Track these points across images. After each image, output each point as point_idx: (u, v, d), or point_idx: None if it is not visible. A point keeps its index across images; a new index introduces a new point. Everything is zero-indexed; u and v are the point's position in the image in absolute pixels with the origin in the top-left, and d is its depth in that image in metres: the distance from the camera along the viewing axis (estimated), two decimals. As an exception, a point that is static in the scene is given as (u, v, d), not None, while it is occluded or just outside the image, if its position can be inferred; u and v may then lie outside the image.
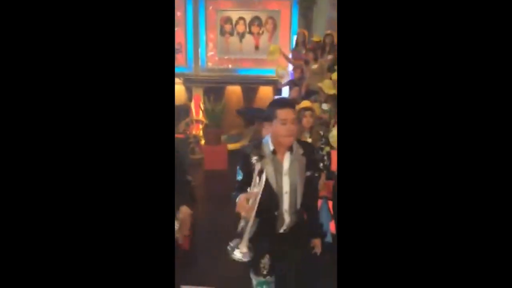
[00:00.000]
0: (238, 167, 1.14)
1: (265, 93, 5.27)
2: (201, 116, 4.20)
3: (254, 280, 1.18)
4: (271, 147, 1.14)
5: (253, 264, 1.13)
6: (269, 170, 1.11)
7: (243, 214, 1.03)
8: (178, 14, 3.81)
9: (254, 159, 1.05)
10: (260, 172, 1.05)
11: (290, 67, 3.20)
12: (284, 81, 2.78)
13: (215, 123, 4.02)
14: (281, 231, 1.15)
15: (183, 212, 1.21)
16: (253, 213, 1.02)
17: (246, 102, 4.97)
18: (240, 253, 1.01)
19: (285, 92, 3.15)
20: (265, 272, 1.14)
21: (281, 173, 1.13)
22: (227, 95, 4.74)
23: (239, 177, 1.12)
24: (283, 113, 1.09)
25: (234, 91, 4.88)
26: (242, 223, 1.06)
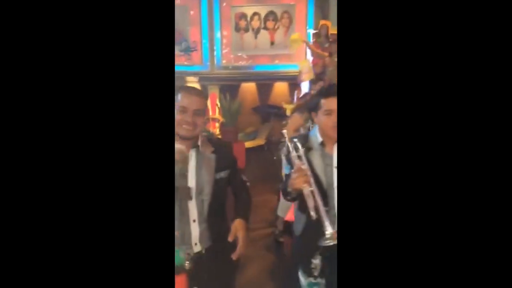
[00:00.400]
0: (285, 161, 1.10)
1: (280, 89, 5.22)
2: (217, 114, 4.18)
3: (304, 280, 1.14)
4: (320, 139, 1.09)
5: (303, 264, 1.09)
6: (318, 164, 1.06)
7: (304, 185, 0.96)
8: (191, 13, 3.79)
9: (301, 151, 1.01)
10: (300, 157, 1.01)
11: (310, 58, 3.12)
12: (309, 77, 2.72)
13: (232, 121, 4.00)
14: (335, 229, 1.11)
15: (238, 227, 1.06)
16: (312, 181, 0.96)
17: (261, 98, 4.94)
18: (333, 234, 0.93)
19: (305, 87, 3.09)
20: (316, 274, 1.10)
21: (331, 166, 1.08)
22: (242, 92, 4.71)
23: (287, 171, 1.08)
24: (328, 103, 1.03)
25: (249, 88, 4.84)
26: (313, 213, 0.97)
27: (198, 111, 1.04)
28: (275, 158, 4.42)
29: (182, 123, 1.04)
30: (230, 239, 1.03)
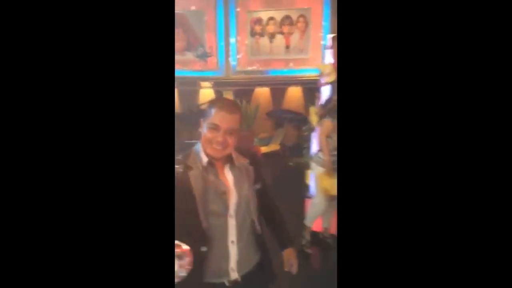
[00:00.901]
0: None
1: (294, 94, 5.18)
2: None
3: None
4: None
5: None
6: None
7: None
8: (208, 18, 3.77)
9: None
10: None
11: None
12: (331, 79, 2.67)
13: (248, 125, 3.95)
14: None
15: (291, 257, 1.09)
16: None
17: (275, 103, 4.90)
18: None
19: (326, 91, 3.04)
20: None
21: None
22: (256, 97, 4.67)
23: None
24: None
25: (263, 92, 4.81)
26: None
27: (230, 129, 0.97)
28: (290, 164, 4.37)
29: (212, 142, 0.96)
30: (286, 269, 1.06)
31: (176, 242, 0.79)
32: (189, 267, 0.80)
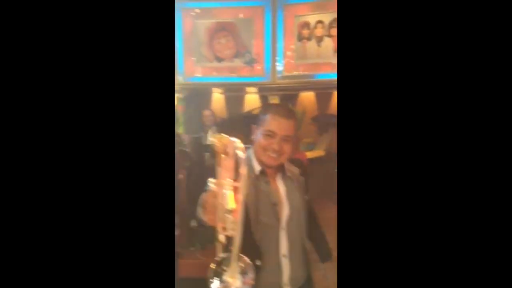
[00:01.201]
0: None
1: (340, 97, 5.03)
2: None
3: None
4: None
5: None
6: None
7: None
8: (254, 25, 3.81)
9: None
10: None
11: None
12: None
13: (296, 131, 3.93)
14: None
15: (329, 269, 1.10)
16: None
17: (321, 108, 4.80)
18: None
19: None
20: None
21: None
22: (301, 101, 4.62)
23: None
24: None
25: (308, 97, 4.74)
26: None
27: (287, 136, 0.95)
28: (336, 170, 4.23)
29: (267, 150, 0.95)
30: (324, 281, 1.09)
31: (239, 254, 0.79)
32: (253, 283, 0.78)
